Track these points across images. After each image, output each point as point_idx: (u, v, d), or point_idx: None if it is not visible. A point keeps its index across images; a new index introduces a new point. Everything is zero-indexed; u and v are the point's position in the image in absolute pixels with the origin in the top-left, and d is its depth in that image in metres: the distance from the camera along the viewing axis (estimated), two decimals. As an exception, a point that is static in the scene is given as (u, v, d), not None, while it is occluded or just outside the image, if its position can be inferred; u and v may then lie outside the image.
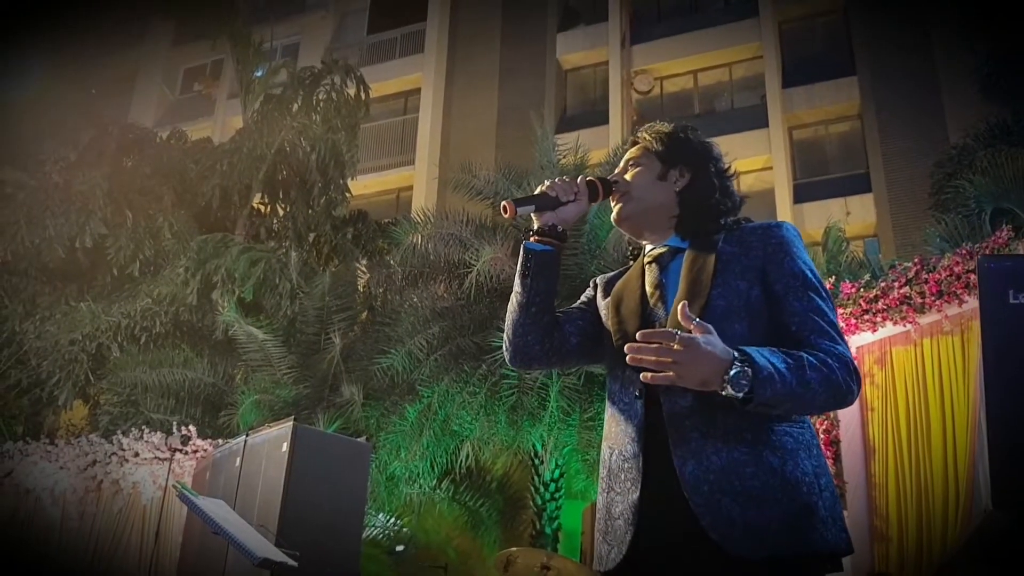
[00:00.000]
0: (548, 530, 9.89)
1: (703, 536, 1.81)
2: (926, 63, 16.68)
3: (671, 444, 1.91)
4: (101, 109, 16.92)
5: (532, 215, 2.20)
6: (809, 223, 15.92)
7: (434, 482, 10.32)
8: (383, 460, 9.81)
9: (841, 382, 1.85)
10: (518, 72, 20.49)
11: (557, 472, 10.16)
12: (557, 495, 10.12)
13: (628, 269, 2.29)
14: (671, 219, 2.19)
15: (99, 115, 15.86)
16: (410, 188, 20.09)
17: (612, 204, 2.25)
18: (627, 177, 2.24)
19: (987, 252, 5.92)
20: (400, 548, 10.56)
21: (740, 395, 1.72)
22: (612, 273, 2.36)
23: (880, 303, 6.54)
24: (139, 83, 24.08)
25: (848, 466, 6.54)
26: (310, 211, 14.46)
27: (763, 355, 1.77)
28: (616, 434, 2.06)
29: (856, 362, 1.81)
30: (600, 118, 18.90)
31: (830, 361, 1.85)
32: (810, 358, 1.83)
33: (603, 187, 2.20)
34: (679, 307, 1.78)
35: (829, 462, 6.50)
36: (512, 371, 9.30)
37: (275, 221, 14.95)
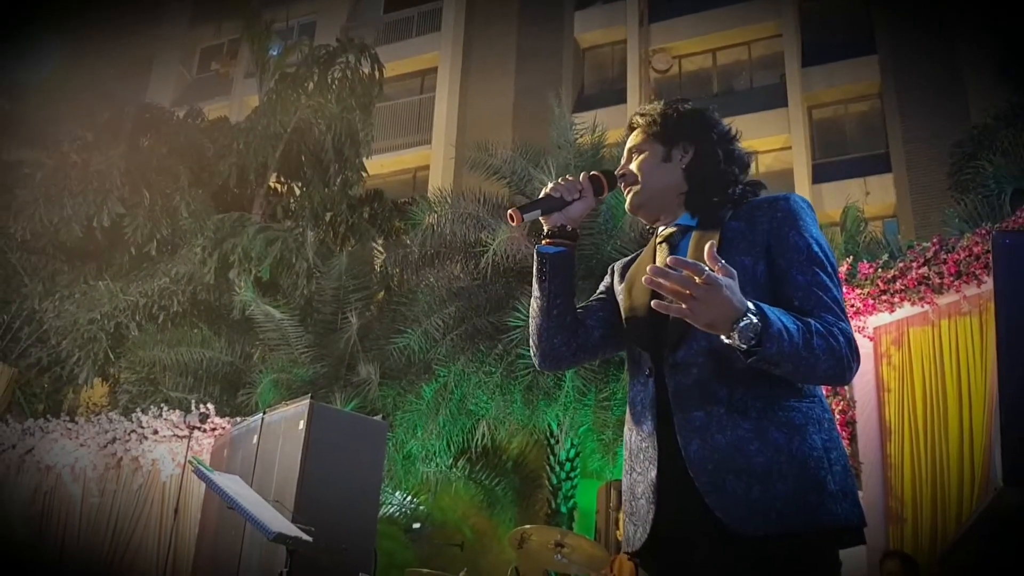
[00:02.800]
0: (563, 509, 9.93)
1: (713, 515, 1.81)
2: (947, 42, 16.48)
3: (676, 424, 1.91)
4: (118, 89, 16.99)
5: (540, 219, 2.19)
6: (828, 203, 15.81)
7: (450, 461, 10.36)
8: (400, 439, 9.86)
9: (844, 356, 1.82)
10: (535, 50, 20.39)
11: (572, 452, 10.19)
12: (572, 474, 10.15)
13: (639, 254, 2.30)
14: (680, 196, 2.18)
15: (116, 95, 15.92)
16: (427, 167, 20.07)
17: (624, 195, 2.25)
18: (632, 167, 2.23)
19: (1017, 229, 5.87)
20: (416, 526, 10.63)
21: (745, 346, 1.70)
22: (628, 257, 2.36)
23: (898, 283, 6.50)
24: (156, 63, 24.12)
25: (864, 447, 6.53)
26: (326, 190, 14.48)
27: (775, 313, 1.75)
28: (634, 415, 2.07)
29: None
30: (618, 97, 18.79)
31: (833, 333, 1.83)
32: (818, 325, 1.82)
33: (607, 180, 2.20)
34: (707, 246, 1.74)
35: (845, 443, 6.48)
36: (528, 350, 9.30)
37: (291, 200, 14.99)
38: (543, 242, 2.18)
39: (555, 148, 10.85)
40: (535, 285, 2.18)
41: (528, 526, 6.09)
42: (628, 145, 2.28)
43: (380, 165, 18.33)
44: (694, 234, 2.11)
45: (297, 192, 15.08)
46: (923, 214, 15.05)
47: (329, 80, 14.59)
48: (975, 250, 6.06)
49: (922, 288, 6.36)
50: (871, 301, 6.65)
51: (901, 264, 6.56)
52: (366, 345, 10.69)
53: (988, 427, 5.58)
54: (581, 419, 9.83)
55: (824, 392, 1.97)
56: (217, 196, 14.44)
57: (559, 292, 2.15)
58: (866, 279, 6.71)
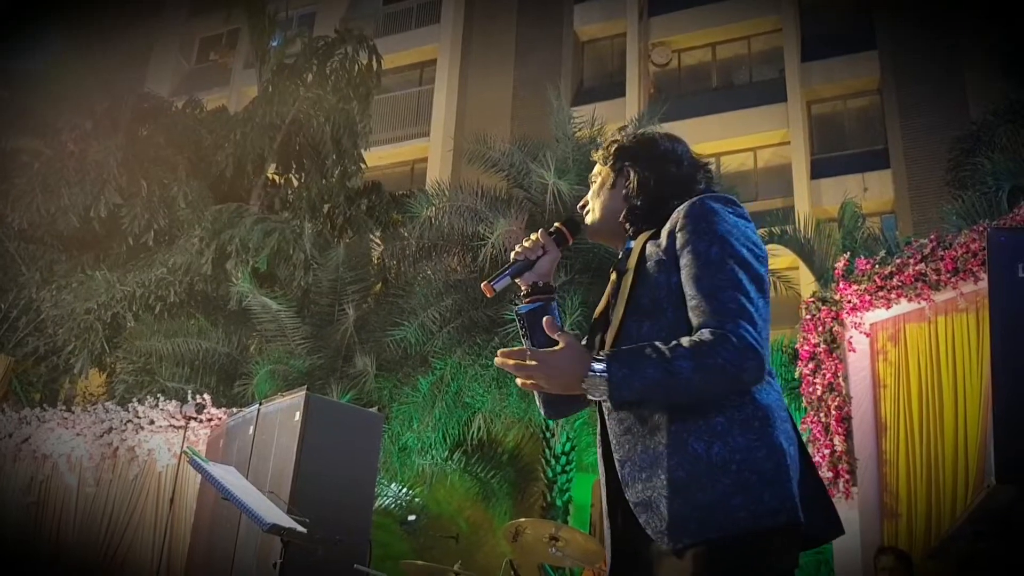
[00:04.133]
0: (559, 502, 9.95)
1: (646, 531, 1.85)
2: (947, 39, 16.48)
3: (612, 448, 1.96)
4: (117, 78, 16.91)
5: (516, 282, 2.28)
6: (826, 198, 15.84)
7: (446, 453, 10.38)
8: (396, 431, 9.87)
9: (723, 364, 1.76)
10: (534, 43, 20.36)
11: (568, 445, 10.20)
12: (568, 468, 10.16)
13: None
14: (624, 231, 2.22)
15: (115, 84, 15.86)
16: (425, 160, 20.05)
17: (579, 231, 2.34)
18: (589, 196, 2.32)
19: (1012, 226, 5.87)
20: (412, 518, 10.64)
21: (598, 397, 1.78)
22: None
23: (895, 280, 6.51)
24: (155, 52, 24.06)
25: (859, 443, 6.54)
26: (324, 182, 14.46)
27: (627, 354, 1.80)
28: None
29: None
30: (617, 90, 18.79)
31: (710, 343, 1.77)
32: (683, 346, 1.78)
33: (569, 228, 2.29)
34: (545, 320, 1.92)
35: (840, 439, 6.50)
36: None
37: (289, 192, 14.96)
38: (523, 302, 2.27)
39: (554, 141, 10.85)
40: (523, 340, 2.27)
41: (523, 519, 6.09)
42: (590, 178, 2.36)
43: (378, 157, 18.29)
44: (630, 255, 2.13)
45: (295, 183, 15.06)
46: (921, 210, 15.07)
47: (328, 71, 14.56)
48: (972, 247, 6.06)
49: (919, 285, 6.36)
50: (868, 297, 6.66)
51: (898, 260, 6.57)
52: (363, 337, 10.69)
53: (983, 424, 5.59)
54: (577, 413, 9.82)
55: (766, 388, 1.90)
56: (215, 187, 14.41)
57: (543, 345, 2.11)
58: (863, 275, 6.71)
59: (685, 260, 1.92)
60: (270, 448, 6.80)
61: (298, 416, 6.47)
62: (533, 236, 2.26)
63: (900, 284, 6.47)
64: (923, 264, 6.35)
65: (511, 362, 1.83)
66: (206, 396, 9.76)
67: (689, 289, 1.89)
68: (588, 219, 2.30)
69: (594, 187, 2.31)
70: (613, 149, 2.28)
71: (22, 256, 14.15)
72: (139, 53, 23.24)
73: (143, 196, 13.69)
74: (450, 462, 10.51)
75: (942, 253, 6.26)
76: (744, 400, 1.84)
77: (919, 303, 6.42)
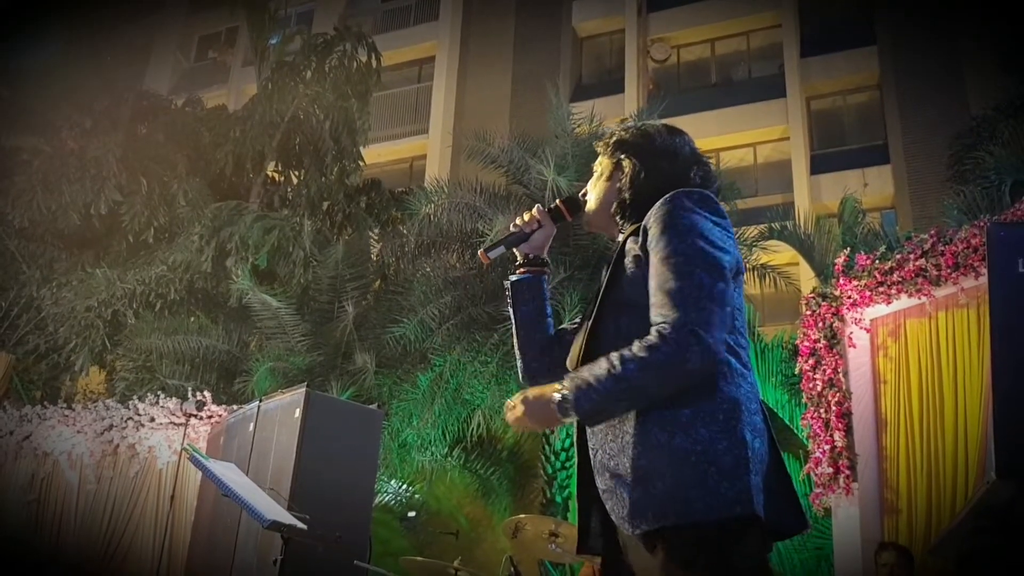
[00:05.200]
0: (558, 498, 9.95)
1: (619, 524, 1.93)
2: (947, 33, 16.45)
3: (587, 437, 2.06)
4: (116, 76, 16.92)
5: (515, 251, 2.42)
6: (826, 194, 15.82)
7: (445, 450, 10.38)
8: (395, 427, 9.87)
9: (663, 358, 1.81)
10: (533, 40, 20.34)
11: (567, 441, 10.19)
12: (567, 464, 10.16)
13: None
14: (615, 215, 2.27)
15: (114, 82, 15.87)
16: (424, 157, 20.04)
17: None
18: (588, 187, 2.38)
19: (1012, 221, 5.86)
20: (411, 514, 10.64)
21: (566, 418, 1.89)
22: None
23: (895, 275, 6.50)
24: (154, 50, 24.03)
25: (860, 438, 6.53)
26: (323, 179, 14.44)
27: (582, 372, 1.90)
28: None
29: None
30: (616, 87, 18.76)
31: (648, 343, 1.83)
32: (625, 351, 1.85)
33: (568, 206, 2.37)
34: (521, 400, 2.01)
35: (840, 435, 6.50)
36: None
37: (289, 189, 14.95)
38: (517, 272, 2.40)
39: (553, 138, 10.84)
40: (510, 308, 2.39)
41: (522, 515, 6.10)
42: (592, 177, 2.40)
43: (377, 154, 18.28)
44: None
45: (294, 181, 15.06)
46: (922, 205, 15.06)
47: (326, 69, 14.54)
48: (973, 242, 6.05)
49: (919, 280, 6.36)
50: (868, 293, 6.65)
51: (899, 256, 6.56)
52: (362, 334, 10.69)
53: (983, 419, 5.58)
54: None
55: (735, 381, 1.93)
56: (214, 184, 14.41)
57: (527, 314, 2.37)
58: (863, 271, 6.71)
59: (651, 256, 1.97)
60: (270, 445, 6.80)
61: (298, 413, 6.47)
62: (531, 211, 2.37)
63: (900, 279, 6.46)
64: (923, 259, 6.34)
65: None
66: (206, 393, 9.76)
67: (651, 286, 1.93)
68: (586, 210, 2.35)
69: (593, 179, 2.37)
70: (612, 140, 2.33)
71: (22, 254, 14.14)
72: (138, 51, 23.23)
73: (143, 194, 13.68)
74: (450, 458, 10.51)
75: (942, 248, 6.25)
76: (712, 393, 1.87)
77: (919, 298, 6.41)
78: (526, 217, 2.37)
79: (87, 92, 14.99)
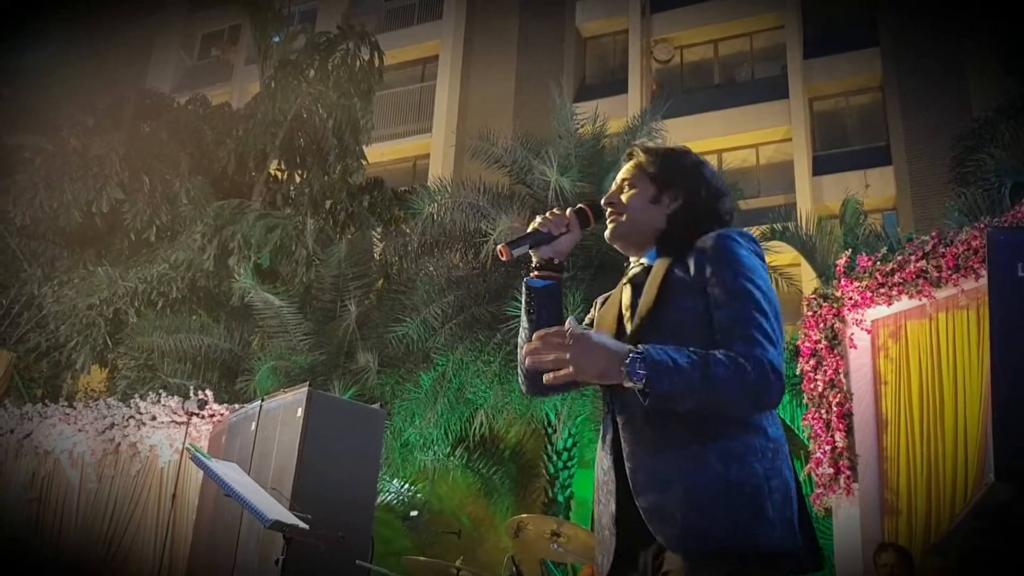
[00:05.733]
0: (560, 498, 9.96)
1: (668, 547, 1.90)
2: (949, 35, 16.44)
3: (625, 457, 2.01)
4: (119, 74, 16.95)
5: (530, 252, 2.26)
6: (828, 195, 15.82)
7: (448, 449, 10.39)
8: (398, 427, 9.88)
9: (755, 382, 1.86)
10: (537, 40, 20.34)
11: (570, 441, 10.21)
12: (570, 464, 10.18)
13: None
14: (656, 237, 2.24)
15: (117, 80, 15.90)
16: (427, 156, 20.04)
17: (607, 222, 2.29)
18: (623, 198, 2.28)
19: (1012, 226, 5.86)
20: (414, 514, 10.66)
21: (639, 384, 1.78)
22: (608, 293, 2.41)
23: (896, 276, 6.50)
24: (157, 48, 24.04)
25: (860, 439, 6.54)
26: (326, 178, 14.45)
27: (663, 350, 1.82)
28: (599, 448, 2.17)
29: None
30: (619, 87, 18.76)
31: (742, 361, 1.86)
32: (718, 355, 1.86)
33: (593, 212, 2.27)
34: (568, 320, 1.88)
35: (841, 435, 6.51)
36: (526, 340, 9.32)
37: (291, 188, 14.97)
38: (532, 275, 2.26)
39: (556, 138, 10.84)
40: (523, 316, 2.26)
41: (524, 515, 6.11)
42: (621, 175, 2.32)
43: (380, 153, 18.30)
44: (651, 272, 2.16)
45: (297, 179, 15.07)
46: (923, 207, 15.05)
47: (330, 67, 14.56)
48: (974, 244, 6.05)
49: (920, 281, 6.36)
50: (869, 294, 6.65)
51: (899, 257, 6.56)
52: (365, 333, 10.70)
53: (983, 421, 5.58)
54: (579, 409, 9.85)
55: (775, 424, 2.01)
56: (217, 183, 14.42)
57: (546, 324, 2.19)
58: (864, 272, 6.71)
59: (715, 290, 2.00)
60: (272, 444, 6.82)
61: (300, 412, 6.48)
62: (561, 211, 2.25)
63: (901, 281, 6.46)
64: (924, 261, 6.34)
65: (548, 340, 1.81)
66: (208, 392, 9.77)
67: (719, 315, 1.98)
68: (619, 225, 2.26)
69: (632, 193, 2.28)
70: (666, 166, 2.28)
71: (24, 252, 14.16)
72: (141, 49, 23.24)
73: (145, 192, 13.69)
74: (452, 458, 10.52)
75: (943, 250, 6.26)
76: (759, 430, 1.95)
77: (920, 300, 6.42)
78: (552, 216, 2.25)
79: (89, 90, 15.02)
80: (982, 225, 6.15)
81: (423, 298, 10.19)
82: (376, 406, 7.86)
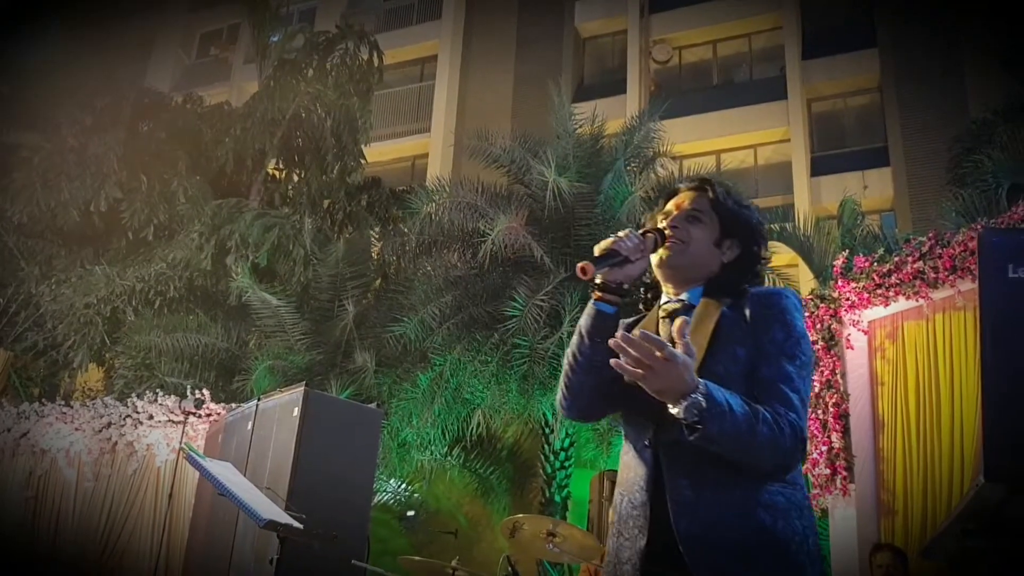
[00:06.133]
0: (557, 498, 9.96)
1: None
2: (947, 37, 16.46)
3: (668, 498, 2.00)
4: (117, 73, 16.93)
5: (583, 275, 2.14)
6: (826, 196, 15.83)
7: (445, 449, 10.39)
8: (395, 427, 9.88)
9: (787, 448, 1.93)
10: (535, 40, 20.35)
11: (567, 441, 10.21)
12: (567, 464, 10.17)
13: (643, 317, 2.32)
14: (696, 280, 2.24)
15: (115, 79, 15.88)
16: (425, 156, 20.04)
17: (661, 248, 2.23)
18: (690, 229, 2.25)
19: (1002, 227, 5.87)
20: (411, 514, 10.66)
21: (688, 420, 1.81)
22: (631, 319, 2.35)
23: (893, 277, 6.50)
24: (156, 47, 24.04)
25: (857, 440, 6.54)
26: (324, 177, 14.46)
27: (723, 392, 1.86)
28: (627, 481, 2.14)
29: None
30: (618, 87, 18.77)
31: (783, 425, 1.92)
32: (766, 414, 1.92)
33: (660, 239, 2.22)
34: (679, 321, 1.91)
35: (837, 436, 6.52)
36: (524, 340, 9.33)
37: (289, 187, 14.97)
38: (597, 296, 2.17)
39: (554, 138, 10.85)
40: (583, 342, 2.15)
41: (520, 515, 6.10)
42: (690, 204, 2.29)
43: (379, 153, 18.29)
44: (695, 313, 2.16)
45: (295, 179, 15.07)
46: (921, 208, 15.06)
47: (328, 67, 14.57)
48: (970, 245, 6.05)
49: (917, 282, 6.36)
50: (866, 295, 6.66)
51: (897, 258, 6.56)
52: (362, 333, 10.70)
53: (979, 421, 5.58)
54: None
55: (802, 479, 2.09)
56: (215, 182, 14.43)
57: (602, 352, 2.05)
58: (861, 273, 6.71)
59: (767, 345, 2.06)
60: (268, 443, 6.81)
61: (297, 412, 6.48)
62: (637, 236, 2.18)
63: (898, 282, 6.47)
64: (921, 262, 6.35)
65: (640, 346, 1.81)
66: (205, 391, 9.77)
67: (765, 369, 2.03)
68: (677, 255, 2.22)
69: (698, 229, 2.26)
70: (735, 218, 2.29)
71: (21, 250, 14.16)
72: (140, 48, 23.23)
73: (143, 191, 13.70)
74: (449, 458, 10.52)
75: (940, 251, 6.26)
76: (796, 487, 2.03)
77: (917, 301, 6.42)
78: (632, 240, 2.15)
79: (88, 89, 15.01)
80: (979, 226, 6.15)
81: (421, 298, 10.19)
82: (373, 406, 7.87)
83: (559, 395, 2.26)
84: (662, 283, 2.28)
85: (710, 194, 2.29)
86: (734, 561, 1.90)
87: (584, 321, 2.16)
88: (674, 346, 1.83)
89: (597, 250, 2.13)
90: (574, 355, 2.17)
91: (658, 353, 1.79)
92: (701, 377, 1.89)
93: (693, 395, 1.80)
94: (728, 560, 1.91)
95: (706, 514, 1.95)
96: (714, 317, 2.10)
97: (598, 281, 2.15)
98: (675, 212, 2.28)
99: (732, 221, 2.27)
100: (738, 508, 1.95)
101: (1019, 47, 13.40)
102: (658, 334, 2.16)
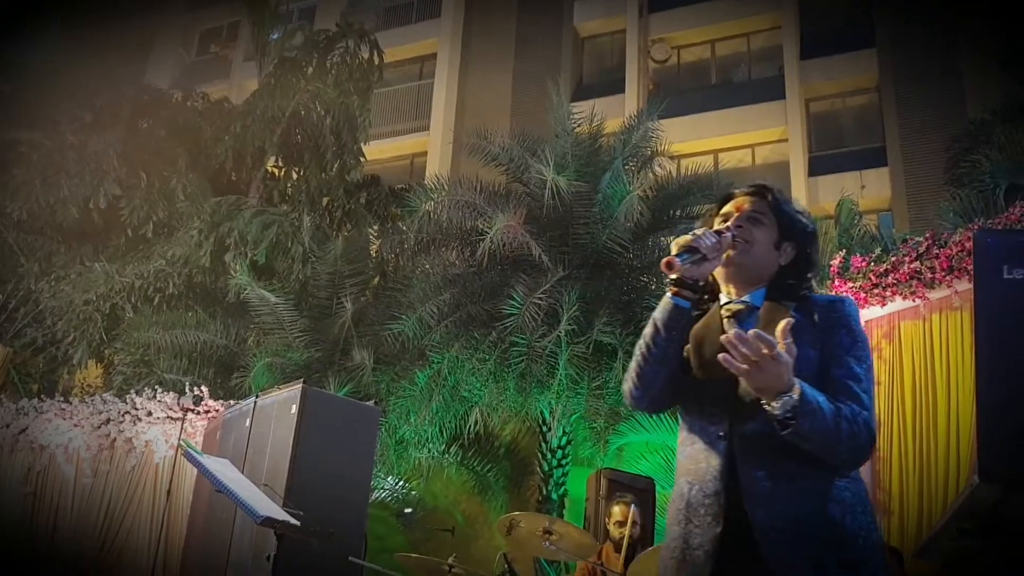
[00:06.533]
0: (554, 496, 9.97)
1: (770, 573, 2.01)
2: (946, 37, 16.47)
3: (743, 489, 2.09)
4: (117, 71, 16.92)
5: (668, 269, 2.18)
6: (824, 196, 15.83)
7: (443, 447, 10.40)
8: (393, 424, 9.89)
9: (863, 445, 2.04)
10: (534, 39, 20.35)
11: (564, 439, 10.22)
12: (564, 462, 10.18)
13: (702, 315, 2.36)
14: (757, 281, 2.32)
15: (115, 77, 15.87)
16: (424, 154, 20.05)
17: (731, 247, 2.29)
18: (754, 231, 2.33)
19: (998, 227, 5.89)
20: (408, 511, 10.67)
21: (782, 416, 1.92)
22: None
23: (890, 277, 6.52)
24: (156, 45, 24.02)
25: (853, 439, 6.55)
26: (323, 175, 14.47)
27: (813, 391, 1.97)
28: (696, 471, 2.20)
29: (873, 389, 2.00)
30: (616, 87, 18.78)
31: (860, 422, 2.03)
32: (848, 411, 2.02)
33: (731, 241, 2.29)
34: (783, 323, 1.96)
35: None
36: (522, 338, 9.34)
37: (288, 185, 14.98)
38: (673, 291, 2.22)
39: (553, 137, 10.85)
40: (660, 331, 2.22)
41: (517, 512, 6.11)
42: (751, 206, 2.37)
43: (378, 150, 18.29)
44: (763, 316, 2.24)
45: (294, 176, 15.08)
46: (919, 208, 15.08)
47: (328, 65, 14.57)
48: (967, 245, 6.07)
49: (914, 282, 6.38)
50: (863, 295, 6.67)
51: (894, 258, 6.58)
52: (360, 330, 10.71)
53: (975, 422, 5.59)
54: (573, 407, 9.86)
55: None
56: (214, 179, 14.44)
57: (677, 344, 2.24)
58: (858, 272, 6.73)
59: (834, 346, 2.17)
60: (266, 440, 6.82)
61: (295, 409, 6.49)
62: (717, 235, 2.23)
63: (895, 282, 6.49)
64: (918, 262, 6.37)
65: (752, 343, 1.89)
66: (203, 388, 9.79)
67: (837, 370, 2.14)
68: (743, 255, 2.29)
69: (761, 231, 2.33)
70: (793, 223, 2.37)
71: (21, 247, 14.17)
72: (139, 46, 23.21)
73: (142, 188, 13.71)
74: (447, 455, 10.53)
75: (937, 251, 6.28)
76: (858, 482, 2.14)
77: (914, 301, 6.44)
78: (709, 240, 2.19)
79: (88, 86, 15.00)
80: (976, 227, 6.18)
81: (419, 296, 10.19)
82: (371, 403, 7.87)
83: (629, 385, 2.31)
84: (722, 283, 2.35)
85: (769, 198, 2.38)
86: (807, 552, 1.99)
87: (660, 314, 2.23)
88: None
89: (675, 247, 2.18)
90: (648, 346, 2.24)
91: (766, 351, 1.87)
92: None
93: (789, 393, 1.90)
94: (801, 551, 1.99)
95: (781, 505, 2.03)
96: (784, 317, 2.14)
97: (674, 277, 2.20)
98: (736, 214, 2.36)
99: (789, 224, 2.36)
100: (812, 501, 2.04)
101: (1018, 48, 13.42)
102: (722, 331, 2.22)
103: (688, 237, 2.19)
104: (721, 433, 2.14)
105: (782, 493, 2.04)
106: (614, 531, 5.96)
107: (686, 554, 2.13)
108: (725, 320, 2.27)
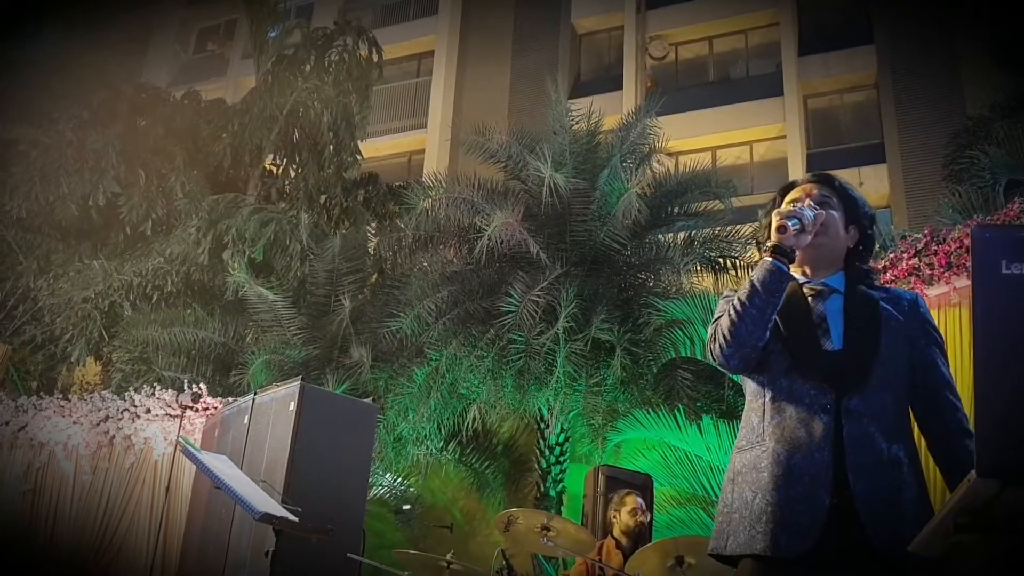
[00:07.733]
0: (552, 492, 9.98)
1: (867, 543, 2.11)
2: (944, 33, 16.48)
3: (847, 460, 2.18)
4: (115, 69, 16.90)
5: (781, 232, 2.28)
6: (822, 193, 15.81)
7: (441, 444, 10.40)
8: (391, 421, 9.89)
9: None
10: (532, 35, 20.35)
11: (562, 436, 10.23)
12: (562, 459, 10.19)
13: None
14: (833, 263, 2.45)
15: (113, 75, 15.86)
16: (422, 151, 20.05)
17: (808, 228, 2.36)
18: (832, 214, 2.44)
19: (997, 223, 5.89)
20: (406, 507, 10.68)
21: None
22: None
23: (888, 274, 6.52)
24: (153, 43, 24.02)
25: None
26: (321, 173, 14.47)
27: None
28: (795, 439, 2.25)
29: None
30: (614, 83, 18.78)
31: (967, 426, 2.27)
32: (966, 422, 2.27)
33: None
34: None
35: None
36: (520, 335, 9.35)
37: (286, 182, 14.97)
38: (772, 255, 2.28)
39: (551, 134, 10.85)
40: (760, 291, 2.26)
41: (515, 509, 6.11)
42: (820, 191, 2.48)
43: (376, 148, 18.30)
44: (847, 300, 2.38)
45: (292, 174, 15.07)
46: (917, 204, 15.09)
47: (326, 63, 14.56)
48: (966, 241, 6.07)
49: (912, 279, 6.38)
50: (861, 291, 6.67)
51: (892, 255, 6.58)
52: (358, 328, 10.71)
53: (973, 417, 5.60)
54: (571, 404, 9.87)
55: None
56: (212, 177, 14.44)
57: (776, 306, 2.30)
58: (857, 269, 6.72)
59: (926, 348, 2.35)
60: (265, 438, 6.83)
61: (293, 406, 6.49)
62: (813, 213, 2.34)
63: (894, 278, 6.48)
64: (917, 258, 6.36)
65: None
66: (202, 385, 9.80)
67: (934, 372, 2.33)
68: (821, 236, 2.39)
69: (832, 213, 2.44)
70: (857, 207, 2.50)
71: (20, 245, 14.16)
72: (137, 43, 23.20)
73: (141, 186, 13.71)
74: (445, 452, 10.54)
75: (935, 248, 6.28)
76: (917, 454, 2.30)
77: (912, 297, 6.44)
78: (809, 214, 2.32)
79: (86, 84, 14.99)
80: (975, 222, 6.17)
81: (417, 293, 10.19)
82: (369, 400, 7.88)
83: (718, 345, 2.34)
84: (796, 265, 2.40)
85: (836, 184, 2.51)
86: (902, 523, 2.09)
87: (760, 274, 2.26)
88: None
89: (777, 217, 2.28)
90: (743, 305, 2.28)
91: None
92: (876, 355, 2.24)
93: None
94: (897, 522, 2.11)
95: (879, 482, 2.15)
96: (873, 305, 2.35)
97: (773, 242, 2.27)
98: (807, 199, 2.44)
99: (853, 208, 2.48)
100: (904, 479, 2.18)
101: (1015, 44, 13.43)
102: (809, 312, 2.37)
103: (789, 207, 2.36)
104: (828, 405, 2.21)
105: (885, 467, 2.16)
106: (629, 520, 5.95)
107: (785, 515, 2.18)
108: (810, 299, 2.38)
